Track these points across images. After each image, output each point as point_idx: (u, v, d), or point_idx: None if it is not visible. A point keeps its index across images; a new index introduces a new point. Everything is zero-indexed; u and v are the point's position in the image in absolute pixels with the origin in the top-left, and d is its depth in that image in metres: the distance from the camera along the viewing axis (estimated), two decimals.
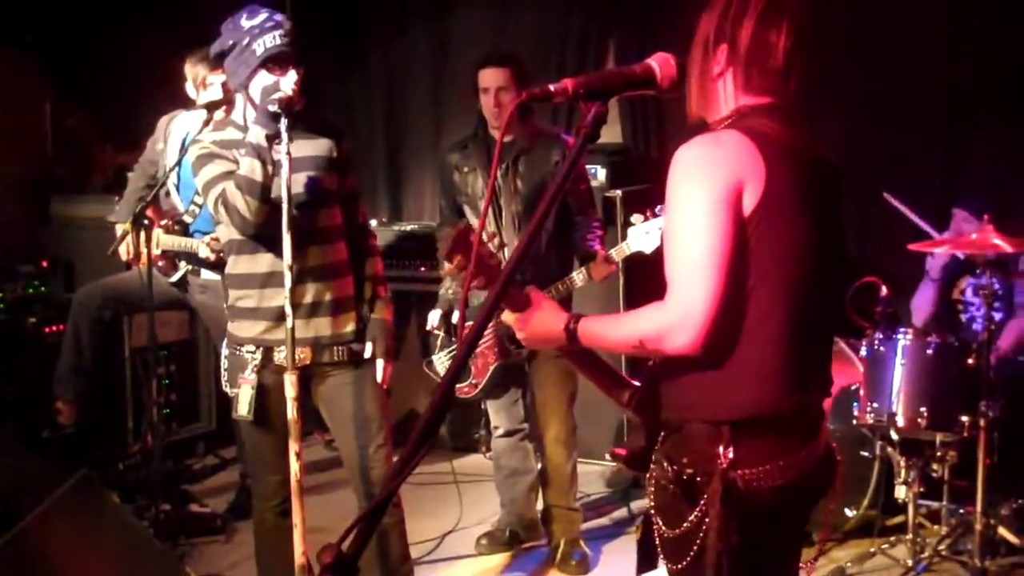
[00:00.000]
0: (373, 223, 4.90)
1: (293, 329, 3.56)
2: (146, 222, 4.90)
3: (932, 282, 5.52)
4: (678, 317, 2.21)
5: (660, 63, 2.16)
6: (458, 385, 4.89)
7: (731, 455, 2.29)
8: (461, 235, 2.35)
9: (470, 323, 1.99)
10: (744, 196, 2.25)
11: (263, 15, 3.67)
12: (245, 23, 3.65)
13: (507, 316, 2.55)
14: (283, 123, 3.55)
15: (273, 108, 3.55)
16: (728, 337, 2.27)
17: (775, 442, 2.34)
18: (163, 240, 5.14)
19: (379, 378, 3.93)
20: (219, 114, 4.63)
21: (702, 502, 2.30)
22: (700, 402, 2.34)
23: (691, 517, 2.32)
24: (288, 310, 3.54)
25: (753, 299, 2.28)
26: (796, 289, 2.33)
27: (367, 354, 3.91)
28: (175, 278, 5.28)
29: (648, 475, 2.46)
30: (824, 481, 2.50)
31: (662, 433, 2.45)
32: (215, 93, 5.00)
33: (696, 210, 2.23)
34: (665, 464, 2.37)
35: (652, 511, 2.44)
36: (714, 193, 2.22)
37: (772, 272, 2.29)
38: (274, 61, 3.62)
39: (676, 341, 2.23)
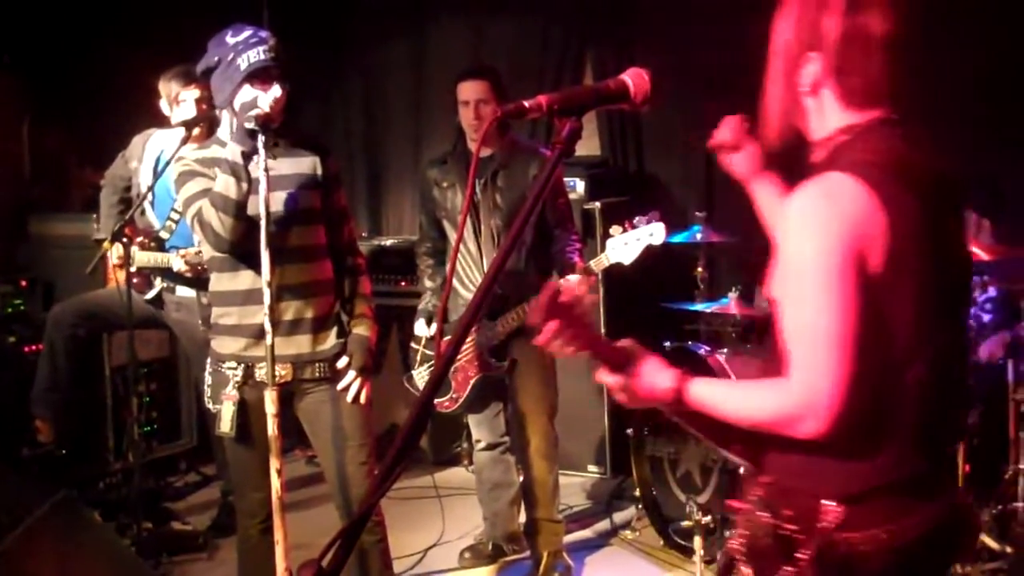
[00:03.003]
0: None
1: (273, 346, 3.56)
2: (124, 240, 4.90)
3: None
4: (804, 402, 1.97)
5: (634, 78, 2.14)
6: (439, 399, 4.91)
7: (839, 516, 2.05)
8: (552, 299, 2.14)
9: (447, 338, 1.97)
10: (869, 256, 1.97)
11: (248, 31, 3.68)
12: (230, 39, 3.66)
13: (606, 377, 2.27)
14: (260, 140, 3.55)
15: (250, 125, 3.55)
16: (858, 412, 1.99)
17: (893, 503, 2.08)
18: (139, 257, 5.14)
19: (351, 393, 3.92)
20: (196, 131, 4.64)
21: (800, 561, 2.08)
22: (811, 472, 2.09)
23: (786, 571, 2.10)
24: (268, 327, 3.54)
25: (885, 365, 2.02)
26: (932, 343, 2.07)
27: (339, 365, 3.90)
28: (150, 296, 5.27)
29: (740, 513, 2.25)
30: (954, 542, 2.21)
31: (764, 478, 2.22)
32: (188, 109, 5.01)
33: (818, 277, 1.97)
34: (763, 512, 2.16)
35: (740, 554, 2.22)
36: (836, 258, 1.95)
37: (905, 332, 2.03)
38: (258, 76, 3.63)
39: (803, 429, 1.99)
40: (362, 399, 3.93)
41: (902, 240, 1.98)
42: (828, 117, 2.13)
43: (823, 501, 2.05)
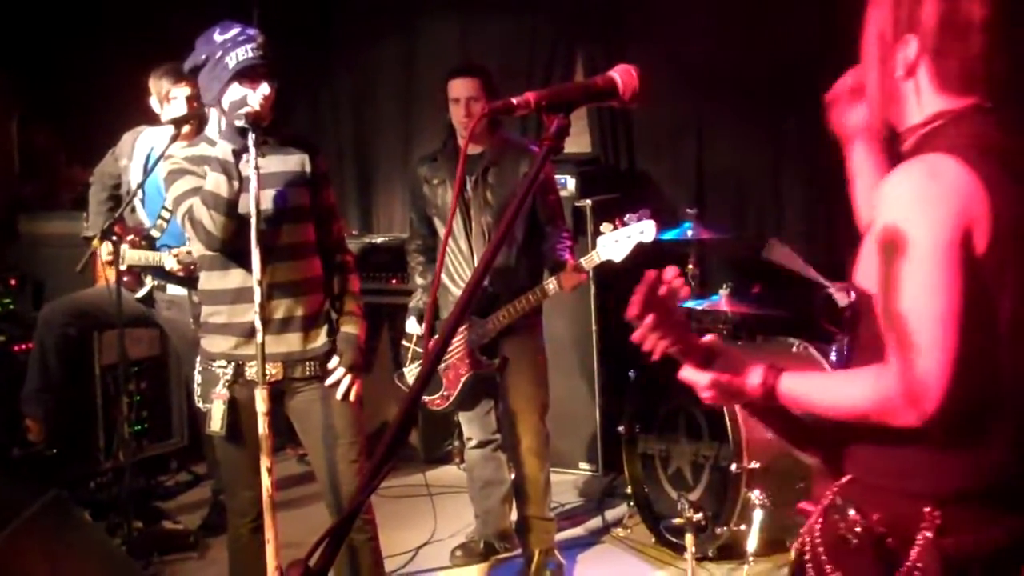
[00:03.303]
0: None
1: (263, 344, 3.56)
2: (114, 238, 4.89)
3: None
4: (908, 387, 1.89)
5: (622, 75, 2.12)
6: (430, 397, 4.91)
7: (939, 520, 1.97)
8: (651, 291, 2.09)
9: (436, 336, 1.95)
10: (974, 237, 1.91)
11: (236, 29, 3.68)
12: (218, 37, 3.66)
13: (693, 374, 2.18)
14: (250, 138, 3.54)
15: (240, 123, 3.55)
16: (960, 402, 1.91)
17: (983, 511, 2.00)
18: (129, 255, 5.12)
19: (341, 390, 3.92)
20: (185, 128, 4.63)
21: (904, 570, 1.99)
22: (902, 471, 2.02)
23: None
24: (258, 325, 3.54)
25: (987, 355, 1.95)
26: None
27: (331, 365, 3.91)
28: (141, 294, 5.25)
29: (817, 512, 2.16)
30: None
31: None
32: (179, 107, 5.00)
33: (922, 258, 1.90)
34: (850, 511, 2.07)
35: (818, 555, 2.12)
36: (940, 238, 1.89)
37: (1006, 323, 1.95)
38: (246, 74, 3.62)
39: (905, 416, 1.90)
40: (352, 397, 3.93)
41: (1004, 223, 1.93)
42: (923, 102, 2.07)
43: (924, 508, 1.98)
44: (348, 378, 3.92)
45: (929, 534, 1.97)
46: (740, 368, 2.14)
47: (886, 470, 2.04)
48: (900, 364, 1.91)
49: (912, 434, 1.93)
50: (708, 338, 2.19)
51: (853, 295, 2.13)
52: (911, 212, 1.92)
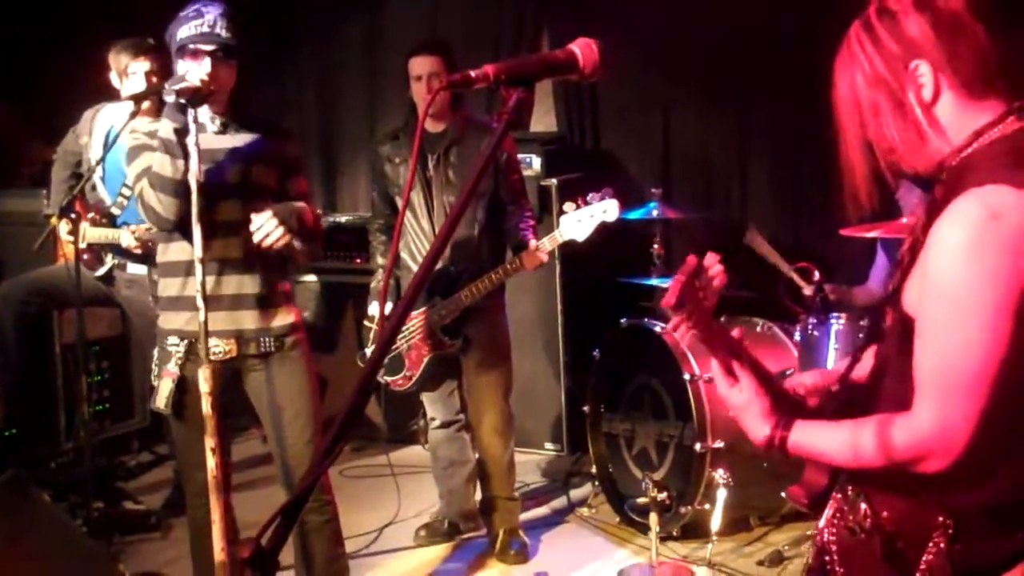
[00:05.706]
0: None
1: (206, 322, 3.48)
2: (73, 216, 4.83)
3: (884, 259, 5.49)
4: (933, 441, 1.84)
5: (583, 48, 2.09)
6: (393, 377, 4.89)
7: (951, 529, 1.92)
8: (688, 282, 2.02)
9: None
10: None
11: (192, 7, 3.67)
12: (180, 15, 3.65)
13: (715, 370, 2.14)
14: (190, 115, 3.48)
15: (170, 98, 3.51)
16: (983, 450, 1.85)
17: (1009, 522, 1.93)
18: (90, 233, 5.06)
19: (259, 233, 3.65)
20: (145, 104, 4.58)
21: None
22: (912, 481, 1.93)
23: None
24: (200, 303, 3.46)
25: (1018, 407, 1.86)
26: None
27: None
28: (100, 272, 5.20)
29: (832, 505, 2.11)
30: None
31: None
32: (138, 82, 4.94)
33: (974, 313, 1.81)
34: (862, 505, 2.03)
35: (831, 550, 2.10)
36: (993, 295, 1.80)
37: None
38: (191, 51, 3.58)
39: (926, 466, 1.86)
40: (271, 241, 3.68)
41: None
42: (959, 123, 1.95)
43: (938, 516, 1.92)
44: (272, 223, 3.65)
45: (942, 544, 1.92)
46: (750, 415, 2.08)
47: (894, 480, 1.96)
48: (925, 416, 1.85)
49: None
50: (735, 333, 2.14)
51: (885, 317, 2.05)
52: (964, 261, 1.81)
